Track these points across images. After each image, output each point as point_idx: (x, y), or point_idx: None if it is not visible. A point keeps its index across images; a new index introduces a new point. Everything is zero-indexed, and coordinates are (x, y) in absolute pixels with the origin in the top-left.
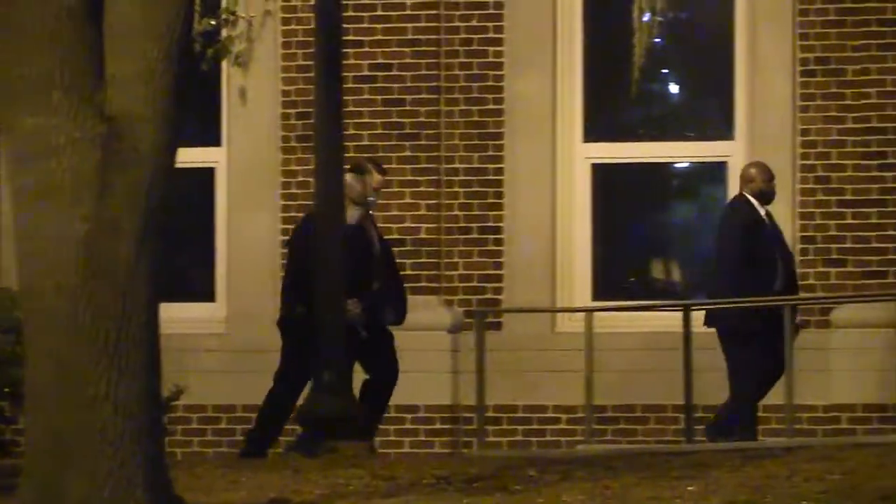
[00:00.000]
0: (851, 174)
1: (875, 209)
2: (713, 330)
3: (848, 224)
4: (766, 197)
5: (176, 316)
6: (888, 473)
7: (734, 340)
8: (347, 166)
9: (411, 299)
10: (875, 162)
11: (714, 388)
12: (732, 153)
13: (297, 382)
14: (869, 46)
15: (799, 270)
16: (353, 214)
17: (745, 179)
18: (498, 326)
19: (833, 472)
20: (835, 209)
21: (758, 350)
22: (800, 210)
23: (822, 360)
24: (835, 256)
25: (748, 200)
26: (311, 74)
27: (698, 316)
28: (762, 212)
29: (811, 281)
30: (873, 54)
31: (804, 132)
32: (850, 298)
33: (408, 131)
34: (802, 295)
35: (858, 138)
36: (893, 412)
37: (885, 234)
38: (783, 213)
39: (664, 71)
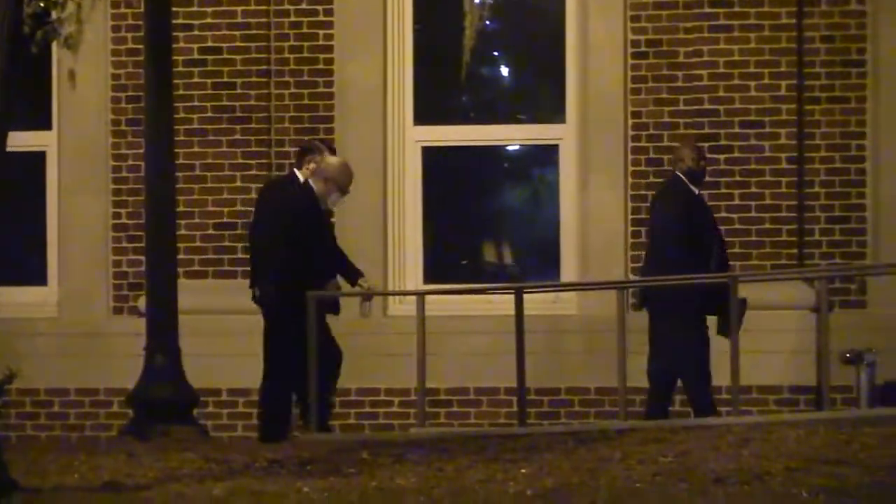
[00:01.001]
0: None
1: (707, 191)
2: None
3: None
4: (697, 177)
5: (8, 300)
6: (721, 456)
7: (670, 321)
8: (298, 148)
9: (243, 283)
10: (707, 144)
11: (546, 371)
12: (564, 136)
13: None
14: (700, 28)
15: (631, 253)
16: (336, 195)
17: (677, 159)
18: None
19: (666, 455)
20: None
21: (698, 327)
22: (632, 192)
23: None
24: None
25: (682, 180)
26: (141, 58)
27: (530, 298)
28: (696, 191)
29: (642, 264)
30: (705, 36)
31: (635, 114)
32: (680, 280)
33: (238, 115)
34: (636, 278)
35: (690, 120)
36: (727, 395)
37: (718, 215)
38: (615, 195)
39: (495, 54)
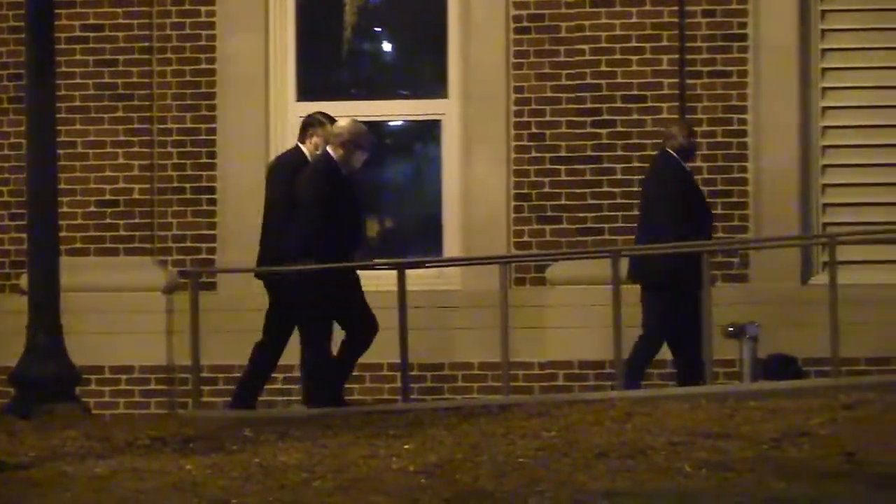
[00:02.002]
0: (565, 131)
1: (589, 166)
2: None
3: (562, 181)
4: (687, 153)
5: None
6: (604, 430)
7: (661, 293)
8: (301, 124)
9: (125, 260)
10: (589, 119)
11: (429, 346)
12: (446, 111)
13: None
14: (582, 3)
15: (514, 228)
16: (359, 154)
17: (667, 136)
18: (212, 287)
19: (549, 429)
20: (549, 166)
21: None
22: (514, 167)
23: (538, 317)
24: (550, 213)
25: (674, 157)
26: (23, 35)
27: (413, 274)
28: (687, 168)
29: (526, 238)
30: (587, 10)
31: (518, 89)
32: (568, 255)
33: (120, 91)
34: (520, 252)
35: (572, 95)
36: (609, 369)
37: (600, 190)
38: (498, 171)
39: (377, 29)
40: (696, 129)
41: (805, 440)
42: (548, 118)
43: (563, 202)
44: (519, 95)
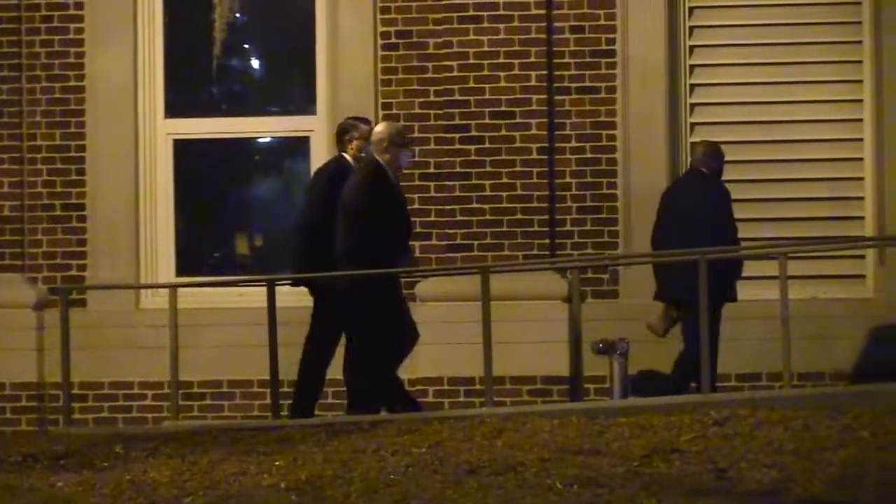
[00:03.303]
0: (434, 147)
1: (458, 182)
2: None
3: (431, 197)
4: (720, 174)
5: None
6: (475, 447)
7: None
8: (337, 132)
9: (9, 277)
10: (457, 135)
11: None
12: (315, 128)
13: (328, 342)
14: (450, 19)
15: None
16: (406, 154)
17: (708, 158)
18: (82, 303)
19: (420, 446)
20: (418, 182)
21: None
22: None
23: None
24: (419, 230)
25: (708, 176)
26: None
27: (282, 290)
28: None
29: (416, 254)
30: (454, 27)
31: (386, 106)
32: (438, 272)
33: None
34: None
35: (441, 111)
36: (480, 385)
37: (469, 206)
38: None
39: (246, 46)
40: (564, 145)
41: (676, 456)
42: (416, 134)
43: (432, 218)
44: (387, 112)
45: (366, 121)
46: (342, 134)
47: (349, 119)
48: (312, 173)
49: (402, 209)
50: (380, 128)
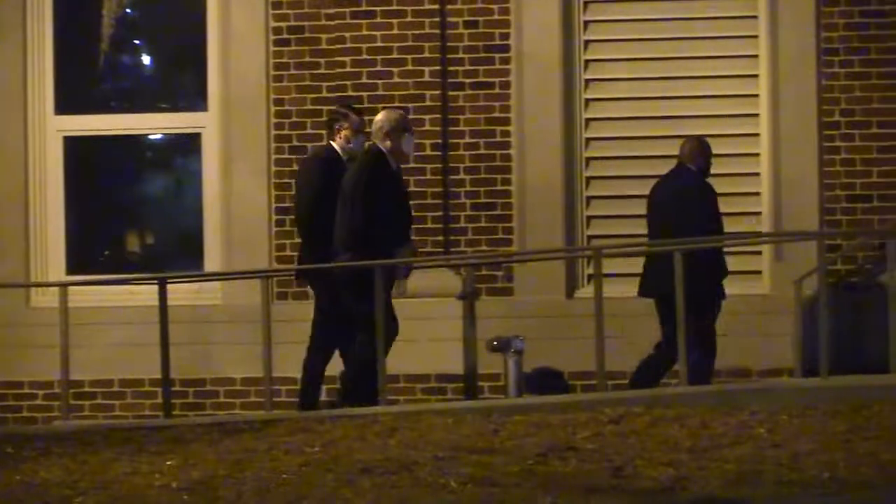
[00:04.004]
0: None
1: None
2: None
3: None
4: (707, 172)
5: None
6: (368, 445)
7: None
8: (331, 113)
9: None
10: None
11: (191, 361)
12: (206, 124)
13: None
14: (343, 14)
15: (275, 242)
16: (407, 138)
17: (695, 154)
18: None
19: (313, 445)
20: None
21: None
22: (275, 181)
23: (300, 332)
24: None
25: (697, 174)
26: None
27: (174, 289)
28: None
29: (288, 252)
30: (347, 22)
31: (278, 102)
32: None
33: None
34: (282, 266)
35: (334, 107)
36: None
37: None
38: (259, 184)
39: (137, 42)
40: (458, 141)
41: (571, 454)
42: (309, 131)
43: None
44: (279, 108)
45: (355, 110)
46: (332, 122)
47: (340, 107)
48: (300, 163)
49: (402, 198)
50: (379, 116)
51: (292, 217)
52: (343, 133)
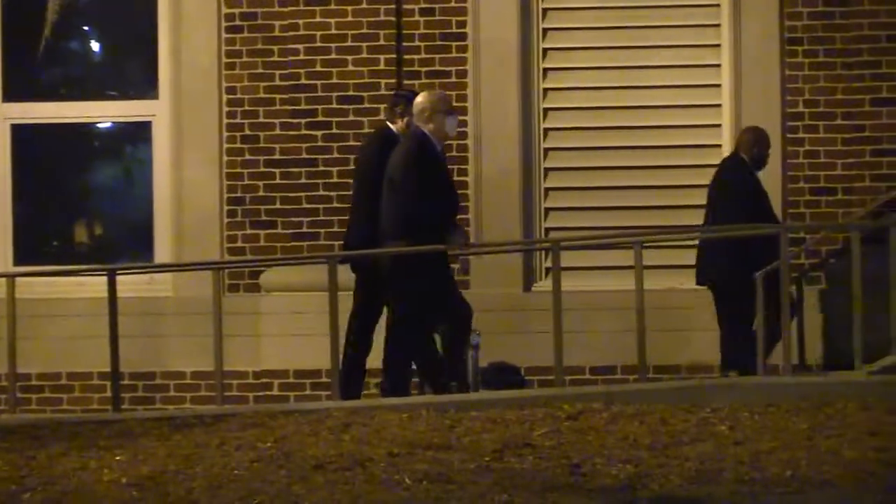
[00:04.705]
0: (279, 133)
1: (304, 168)
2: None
3: (277, 184)
4: (760, 164)
5: None
6: (321, 441)
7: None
8: (394, 95)
9: None
10: (304, 120)
11: (141, 355)
12: (157, 112)
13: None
14: (296, 1)
15: (226, 233)
16: (450, 120)
17: (747, 144)
18: None
19: (265, 441)
20: (263, 169)
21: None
22: (227, 171)
23: (252, 325)
24: (264, 218)
25: (746, 163)
26: None
27: (123, 280)
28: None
29: (240, 243)
30: (301, 9)
31: (230, 90)
32: (283, 261)
33: None
34: (234, 258)
35: (286, 96)
36: (326, 378)
37: (316, 194)
38: (210, 173)
39: (86, 29)
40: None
41: (528, 451)
42: (261, 119)
43: (277, 206)
44: (231, 96)
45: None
46: (393, 105)
47: (404, 90)
48: (360, 145)
49: (448, 182)
50: (420, 98)
51: (244, 207)
52: (406, 118)
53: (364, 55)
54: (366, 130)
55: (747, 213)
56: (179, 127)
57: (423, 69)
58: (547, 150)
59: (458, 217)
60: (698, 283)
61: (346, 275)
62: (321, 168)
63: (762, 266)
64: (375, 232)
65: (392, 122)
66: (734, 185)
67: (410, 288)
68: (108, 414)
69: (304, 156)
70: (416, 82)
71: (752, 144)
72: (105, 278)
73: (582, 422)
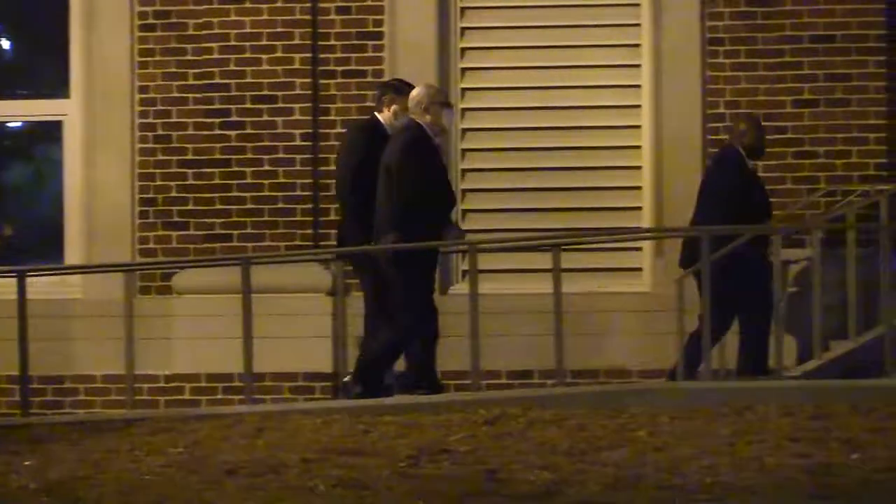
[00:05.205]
0: (193, 133)
1: (218, 169)
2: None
3: (190, 185)
4: (756, 151)
5: None
6: (234, 446)
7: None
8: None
9: None
10: (217, 120)
11: (51, 358)
12: (69, 111)
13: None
14: (212, 0)
15: (138, 234)
16: (447, 112)
17: (738, 132)
18: None
19: (177, 445)
20: (176, 169)
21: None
22: (139, 171)
23: (164, 327)
24: (176, 219)
25: (739, 152)
26: None
27: (33, 282)
28: (750, 165)
29: (152, 245)
30: (215, 7)
31: (143, 89)
32: (196, 263)
33: None
34: (146, 259)
35: (200, 95)
36: (239, 382)
37: (229, 195)
38: (122, 174)
39: None
40: (329, 131)
41: (444, 457)
42: (174, 119)
43: (190, 207)
44: (144, 95)
45: (410, 86)
46: (381, 95)
47: (393, 81)
48: (347, 136)
49: (444, 175)
50: (417, 90)
51: (156, 208)
52: (393, 108)
53: (279, 54)
54: (280, 131)
55: (728, 207)
56: (91, 126)
57: (340, 68)
58: (465, 150)
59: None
60: (681, 265)
61: (263, 276)
62: (235, 168)
63: (745, 256)
64: (369, 224)
65: (379, 112)
66: (717, 178)
67: (408, 275)
68: (16, 418)
69: (218, 156)
70: (332, 82)
71: (743, 134)
72: (14, 280)
73: (499, 427)
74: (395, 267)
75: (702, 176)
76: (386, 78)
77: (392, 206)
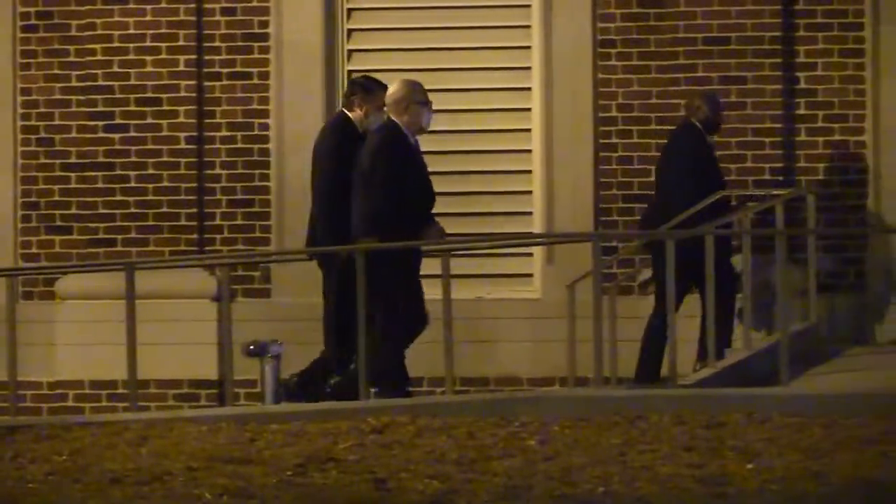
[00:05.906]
0: (76, 136)
1: (102, 173)
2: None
3: (73, 189)
4: (711, 126)
5: None
6: (119, 454)
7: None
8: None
9: None
10: (101, 122)
11: None
12: None
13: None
14: (95, 0)
15: (21, 239)
16: (426, 112)
17: (693, 107)
18: None
19: (60, 453)
20: (59, 173)
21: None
22: (22, 174)
23: (47, 333)
24: (59, 223)
25: (697, 128)
26: None
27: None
28: (709, 140)
29: (35, 249)
30: (99, 8)
31: (25, 91)
32: (79, 268)
33: None
34: (28, 264)
35: (83, 97)
36: (123, 389)
37: (113, 199)
38: (5, 178)
39: None
40: (214, 134)
41: (332, 465)
42: (57, 122)
43: (73, 211)
44: (26, 98)
45: (381, 85)
46: (351, 94)
47: (361, 78)
48: (319, 137)
49: (423, 175)
50: (395, 87)
51: (39, 212)
52: (365, 108)
53: (163, 56)
54: (165, 133)
55: (695, 180)
56: None
57: (225, 70)
58: None
59: (263, 223)
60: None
61: (147, 282)
62: (119, 172)
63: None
64: (344, 226)
65: (350, 111)
66: (681, 152)
67: (387, 281)
68: None
69: (102, 159)
70: (217, 84)
71: (699, 109)
72: None
73: (387, 435)
74: (376, 269)
75: (661, 156)
76: (271, 81)
77: (369, 208)
